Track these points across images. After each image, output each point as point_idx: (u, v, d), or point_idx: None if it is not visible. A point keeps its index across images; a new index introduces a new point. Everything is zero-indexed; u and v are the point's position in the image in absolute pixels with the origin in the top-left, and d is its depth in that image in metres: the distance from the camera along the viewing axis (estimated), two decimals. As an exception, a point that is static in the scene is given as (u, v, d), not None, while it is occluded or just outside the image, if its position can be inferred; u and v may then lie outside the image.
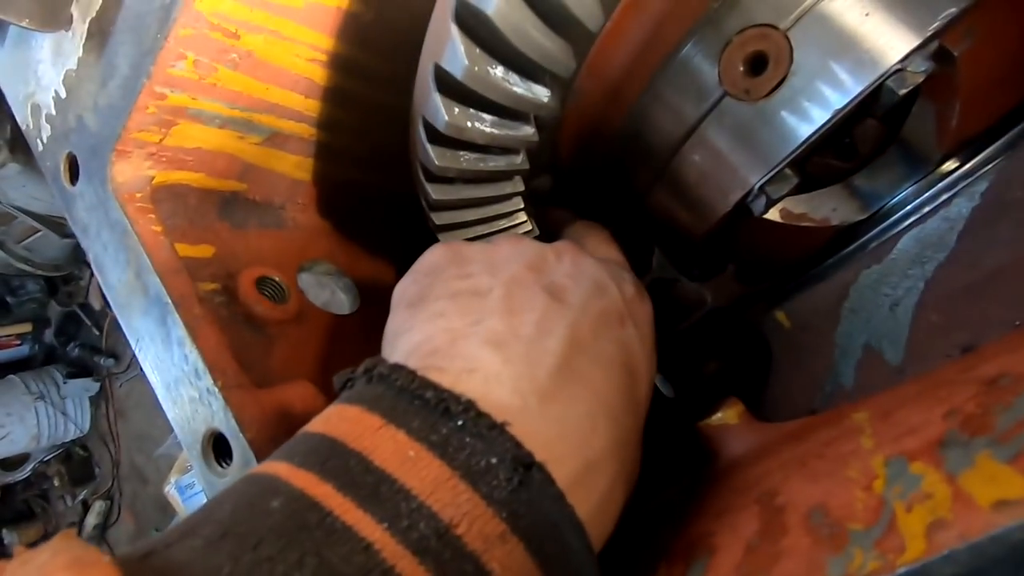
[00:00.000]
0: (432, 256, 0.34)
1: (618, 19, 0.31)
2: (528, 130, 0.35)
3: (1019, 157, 0.29)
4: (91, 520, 3.86)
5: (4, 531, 4.37)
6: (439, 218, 0.40)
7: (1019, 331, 0.26)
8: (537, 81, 0.32)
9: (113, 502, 3.83)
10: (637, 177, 0.43)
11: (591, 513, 0.24)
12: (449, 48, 0.28)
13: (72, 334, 3.71)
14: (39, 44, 0.34)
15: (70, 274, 3.44)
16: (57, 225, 2.83)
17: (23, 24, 0.32)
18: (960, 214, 0.30)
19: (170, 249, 0.33)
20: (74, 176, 0.34)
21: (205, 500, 0.27)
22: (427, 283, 0.32)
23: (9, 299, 3.51)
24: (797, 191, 0.35)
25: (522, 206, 0.44)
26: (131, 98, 0.31)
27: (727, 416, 0.37)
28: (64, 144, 0.35)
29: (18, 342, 3.80)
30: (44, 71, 0.35)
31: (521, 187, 0.41)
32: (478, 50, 0.28)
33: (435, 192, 0.37)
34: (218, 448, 0.32)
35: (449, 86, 0.30)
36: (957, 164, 0.31)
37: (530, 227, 0.48)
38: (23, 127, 0.37)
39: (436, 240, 0.44)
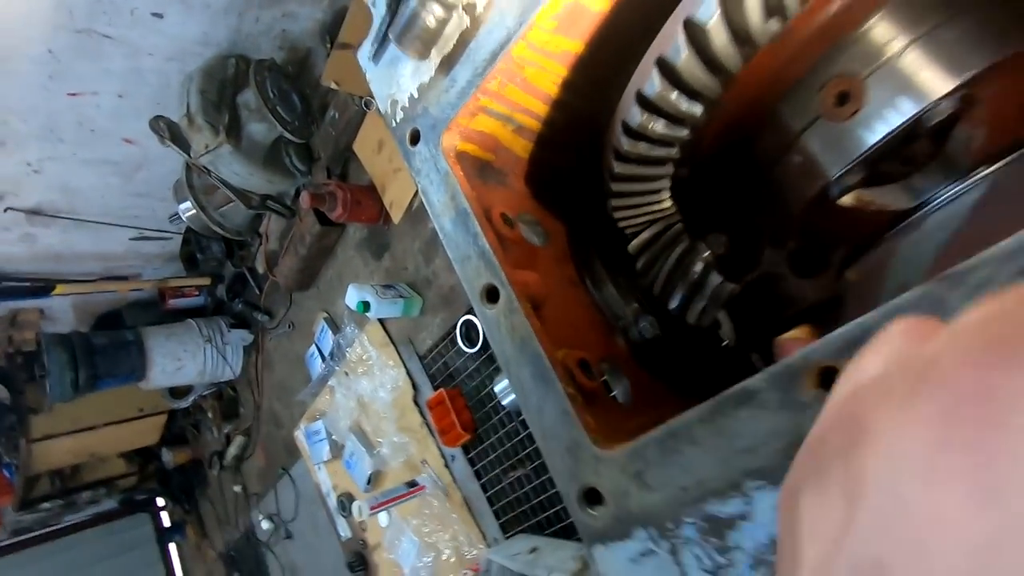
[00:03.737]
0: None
1: (753, 65, 0.51)
2: (684, 131, 0.56)
3: (1007, 172, 0.45)
4: (231, 451, 4.55)
5: (164, 449, 5.25)
6: (616, 186, 0.62)
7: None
8: (696, 101, 0.53)
9: (251, 439, 4.49)
10: (756, 173, 0.62)
11: None
12: (648, 81, 0.50)
13: (238, 291, 4.42)
14: (404, 66, 0.61)
15: (244, 241, 4.11)
16: (246, 198, 3.45)
17: (408, 53, 0.59)
18: (970, 200, 0.46)
19: (467, 186, 0.58)
20: (415, 141, 0.61)
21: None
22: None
23: (199, 256, 4.27)
24: (865, 184, 0.53)
25: (669, 185, 0.65)
26: (462, 100, 0.56)
27: (799, 332, 0.55)
28: (411, 123, 0.61)
29: (197, 292, 4.58)
30: (404, 81, 0.62)
31: (671, 171, 0.62)
32: (666, 81, 0.50)
33: (617, 167, 0.59)
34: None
35: (644, 100, 0.52)
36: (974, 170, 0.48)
37: (669, 202, 0.68)
38: (383, 112, 0.65)
39: (605, 203, 0.66)
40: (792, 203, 0.58)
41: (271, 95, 3.08)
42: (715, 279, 0.69)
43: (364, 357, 3.17)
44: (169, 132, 3.05)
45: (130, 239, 4.15)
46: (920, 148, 0.51)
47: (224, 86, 3.04)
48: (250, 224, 3.83)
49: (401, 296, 2.86)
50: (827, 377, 0.36)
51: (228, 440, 4.66)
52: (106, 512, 5.73)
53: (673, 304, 0.71)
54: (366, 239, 3.24)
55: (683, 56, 0.46)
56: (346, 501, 3.31)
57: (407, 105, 0.62)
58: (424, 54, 0.58)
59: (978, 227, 0.45)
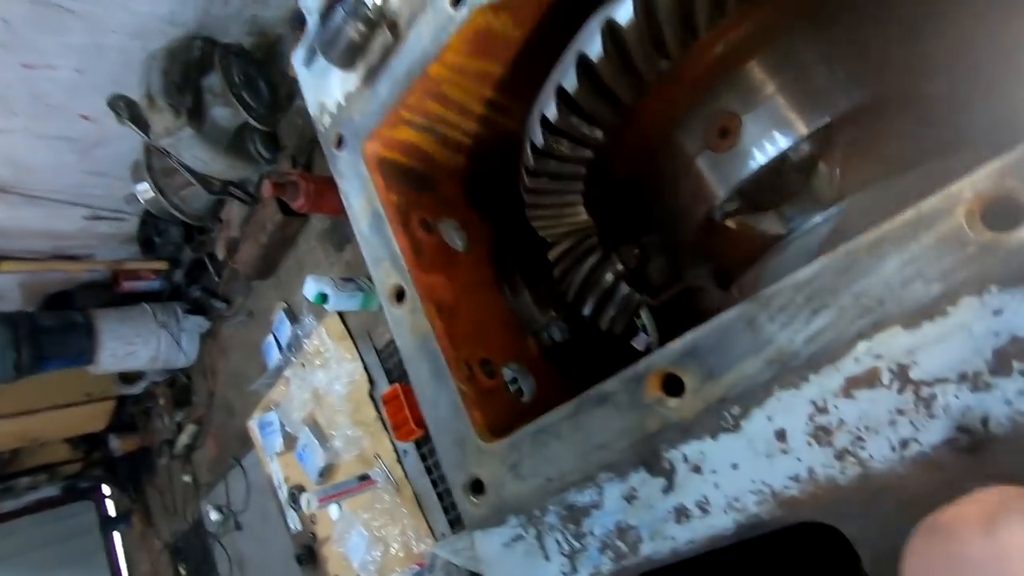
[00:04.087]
0: None
1: (646, 102, 0.56)
2: (587, 152, 0.60)
3: (850, 209, 0.51)
4: (183, 440, 4.46)
5: (111, 436, 5.11)
6: (529, 199, 0.66)
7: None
8: (597, 128, 0.57)
9: (203, 428, 4.41)
10: (655, 197, 0.67)
11: None
12: (548, 106, 0.54)
13: (196, 277, 4.33)
14: (334, 74, 0.64)
15: (204, 226, 4.03)
16: (207, 183, 3.39)
17: (335, 64, 0.62)
18: (824, 231, 0.52)
19: (385, 192, 0.61)
20: (340, 146, 0.64)
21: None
22: None
23: (156, 239, 4.17)
24: (746, 211, 0.58)
25: (582, 201, 0.69)
26: (383, 113, 0.60)
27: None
28: (337, 128, 0.65)
29: (154, 277, 4.47)
30: (333, 89, 0.65)
31: (581, 187, 0.66)
32: (564, 107, 0.54)
33: (529, 181, 0.63)
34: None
35: (546, 124, 0.56)
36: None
37: (584, 216, 0.73)
38: (313, 115, 0.68)
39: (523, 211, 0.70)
40: (687, 223, 0.63)
41: (237, 80, 3.04)
42: (624, 289, 0.74)
43: (321, 349, 3.16)
44: (128, 111, 2.98)
45: (84, 218, 4.02)
46: (791, 181, 0.57)
47: (189, 68, 2.98)
48: (211, 209, 3.76)
49: (361, 290, 2.86)
50: (669, 383, 0.41)
51: (179, 428, 4.57)
52: (47, 499, 5.53)
53: (586, 311, 0.75)
54: (328, 230, 3.23)
55: (576, 86, 0.51)
56: (297, 493, 3.29)
57: (335, 112, 0.65)
58: (349, 66, 0.61)
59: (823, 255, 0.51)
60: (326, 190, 2.96)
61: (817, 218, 0.55)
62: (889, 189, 0.50)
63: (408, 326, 0.56)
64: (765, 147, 0.53)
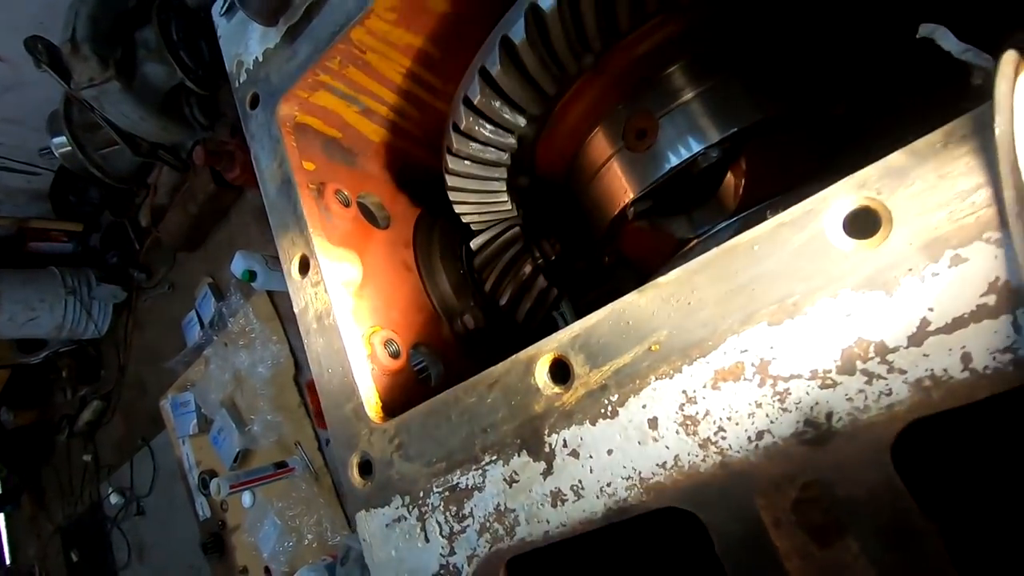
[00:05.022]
0: None
1: (570, 95, 0.56)
2: (511, 140, 0.60)
3: (746, 222, 0.53)
4: (85, 416, 4.13)
5: (3, 408, 4.68)
6: (451, 181, 0.65)
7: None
8: (521, 115, 0.57)
9: (110, 404, 4.11)
10: (576, 191, 0.68)
11: None
12: (471, 86, 0.54)
13: (114, 243, 4.04)
14: (254, 28, 0.61)
15: (127, 189, 3.76)
16: (134, 143, 3.17)
17: (255, 19, 0.58)
18: (723, 239, 0.54)
19: (299, 158, 0.59)
20: (254, 105, 0.60)
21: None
22: None
23: (71, 198, 3.85)
24: (658, 212, 0.60)
25: (505, 189, 0.69)
26: (300, 73, 0.57)
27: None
28: (253, 86, 0.61)
29: (65, 238, 4.14)
30: (252, 44, 0.61)
31: (505, 175, 0.66)
32: (488, 88, 0.54)
33: (451, 163, 0.62)
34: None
35: (469, 104, 0.55)
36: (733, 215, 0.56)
37: (509, 206, 0.73)
38: (228, 70, 0.64)
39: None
40: (601, 219, 0.64)
41: (176, 37, 2.86)
42: (541, 283, 0.75)
43: (247, 329, 3.02)
44: (48, 56, 2.73)
45: (-11, 168, 3.67)
46: (701, 187, 0.59)
47: (121, 17, 2.77)
48: (135, 172, 3.52)
49: (293, 270, 2.76)
50: (557, 367, 0.41)
51: (83, 404, 4.24)
52: (-79, 473, 5.00)
53: (502, 302, 0.75)
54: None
55: (499, 70, 0.51)
56: (208, 478, 3.12)
57: (251, 68, 0.62)
58: (271, 21, 0.58)
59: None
60: (264, 163, 2.83)
61: (720, 226, 0.57)
62: (786, 202, 0.52)
63: (309, 298, 0.54)
64: (679, 150, 0.55)
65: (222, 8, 0.62)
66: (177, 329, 3.50)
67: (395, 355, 0.58)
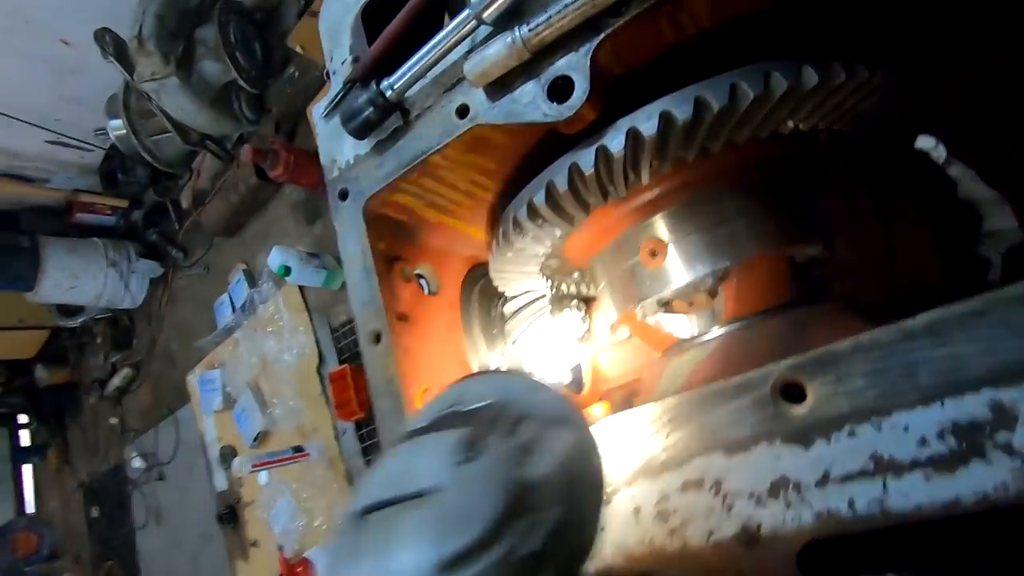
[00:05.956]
0: None
1: (588, 221, 0.70)
2: (546, 245, 0.74)
3: (729, 335, 0.67)
4: (115, 382, 4.38)
5: (39, 366, 4.95)
6: (493, 264, 0.79)
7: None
8: (552, 231, 0.71)
9: (139, 373, 4.35)
10: (595, 286, 0.81)
11: None
12: (520, 211, 0.68)
13: (156, 221, 4.25)
14: (345, 136, 0.75)
15: (173, 173, 3.96)
16: (185, 133, 3.35)
17: (351, 135, 0.73)
18: (712, 346, 0.68)
19: (374, 241, 0.73)
20: (343, 197, 0.75)
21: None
22: None
23: (119, 175, 4.07)
24: (663, 311, 0.73)
25: (538, 270, 0.83)
26: (385, 181, 0.71)
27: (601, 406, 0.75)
28: (343, 183, 0.76)
29: (110, 212, 4.36)
30: (345, 147, 0.76)
31: (539, 260, 0.80)
32: (530, 215, 0.68)
33: (495, 252, 0.76)
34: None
35: (516, 224, 0.69)
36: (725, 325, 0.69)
37: (543, 281, 0.87)
38: (323, 163, 0.78)
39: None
40: (615, 310, 0.78)
41: (233, 38, 3.03)
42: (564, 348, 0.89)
43: (276, 317, 3.20)
44: (115, 48, 2.92)
45: (46, 142, 3.89)
46: (699, 298, 0.72)
47: (185, 16, 2.95)
48: (183, 158, 3.71)
49: (325, 267, 2.92)
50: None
51: (114, 370, 4.48)
52: (-44, 420, 5.32)
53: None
54: (302, 202, 3.26)
55: (543, 205, 0.64)
56: (228, 454, 3.32)
57: (343, 167, 0.76)
58: (362, 138, 0.72)
59: (702, 370, 0.66)
60: (306, 163, 2.99)
61: (714, 330, 0.70)
62: (760, 327, 0.66)
63: (380, 365, 0.68)
64: (682, 272, 0.68)
65: (323, 112, 0.76)
66: (209, 309, 3.70)
67: (440, 411, 0.72)
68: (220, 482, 3.45)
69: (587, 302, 0.92)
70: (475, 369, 0.87)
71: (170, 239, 4.13)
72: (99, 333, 4.60)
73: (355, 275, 0.72)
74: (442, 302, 0.87)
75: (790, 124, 0.61)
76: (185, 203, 3.99)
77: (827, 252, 0.69)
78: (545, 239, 0.73)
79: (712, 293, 0.70)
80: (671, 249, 0.69)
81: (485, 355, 0.89)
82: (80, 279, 4.09)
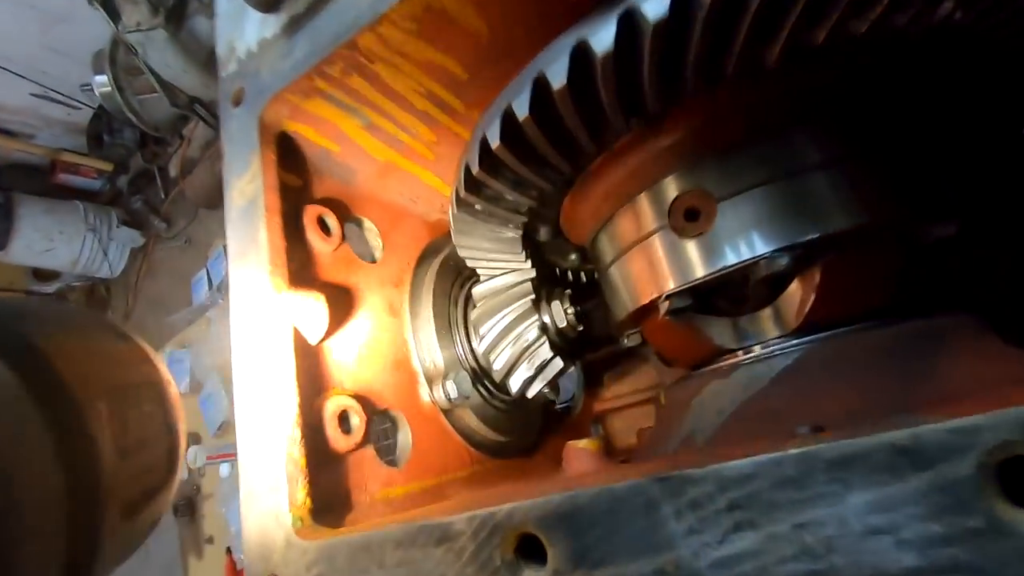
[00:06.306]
0: None
1: (606, 157, 0.45)
2: (531, 195, 0.49)
3: (818, 348, 0.42)
4: (85, 353, 4.14)
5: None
6: (456, 222, 0.55)
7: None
8: (545, 173, 0.46)
9: (110, 346, 4.11)
10: (598, 261, 0.56)
11: None
12: (492, 128, 0.43)
13: (141, 188, 4.03)
14: (253, 14, 0.51)
15: (163, 138, 3.75)
16: (173, 94, 3.13)
17: (250, 3, 0.48)
18: (777, 366, 0.43)
19: (274, 169, 0.49)
20: (238, 102, 0.51)
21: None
22: None
23: (105, 137, 3.85)
24: (694, 311, 0.48)
25: (520, 238, 0.58)
26: (294, 75, 0.47)
27: (587, 443, 0.50)
28: (240, 80, 0.51)
29: (95, 175, 4.14)
30: (249, 30, 0.52)
31: (522, 225, 0.55)
32: (511, 134, 0.43)
33: (459, 200, 0.52)
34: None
35: (487, 150, 0.45)
36: (794, 334, 0.44)
37: (523, 258, 0.62)
38: (219, 54, 0.54)
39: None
40: (624, 304, 0.53)
41: (230, -6, 2.80)
42: (545, 352, 0.63)
43: (252, 298, 2.96)
44: (101, -7, 2.70)
45: (32, 95, 3.67)
46: (755, 291, 0.47)
47: (178, -34, 2.73)
48: (171, 123, 3.49)
49: (307, 248, 2.68)
50: (525, 544, 0.30)
51: (85, 341, 4.24)
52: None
53: (496, 366, 0.64)
54: (291, 178, 3.03)
55: (527, 118, 0.40)
56: (189, 441, 3.08)
57: (243, 58, 0.52)
58: (270, 7, 0.48)
59: (766, 401, 0.41)
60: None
61: (775, 345, 0.45)
62: (858, 341, 0.41)
63: (254, 352, 0.44)
64: (739, 247, 0.43)
65: (223, -17, 0.52)
66: (186, 284, 3.48)
67: (348, 431, 0.47)
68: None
69: (584, 290, 0.67)
70: (419, 370, 0.62)
71: (154, 208, 3.91)
72: (74, 301, 4.37)
73: (235, 212, 0.48)
74: (384, 276, 0.62)
75: (948, 5, 0.37)
76: (173, 171, 3.77)
77: (968, 236, 0.44)
78: (531, 183, 0.49)
79: (779, 283, 0.45)
80: (722, 209, 0.44)
81: (435, 353, 0.64)
82: (56, 242, 3.87)
